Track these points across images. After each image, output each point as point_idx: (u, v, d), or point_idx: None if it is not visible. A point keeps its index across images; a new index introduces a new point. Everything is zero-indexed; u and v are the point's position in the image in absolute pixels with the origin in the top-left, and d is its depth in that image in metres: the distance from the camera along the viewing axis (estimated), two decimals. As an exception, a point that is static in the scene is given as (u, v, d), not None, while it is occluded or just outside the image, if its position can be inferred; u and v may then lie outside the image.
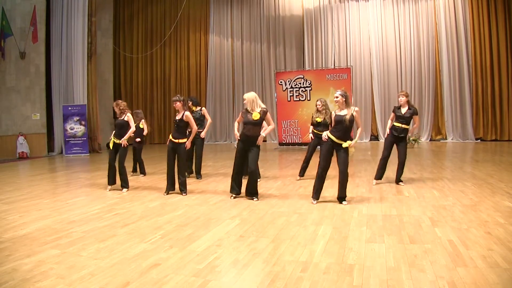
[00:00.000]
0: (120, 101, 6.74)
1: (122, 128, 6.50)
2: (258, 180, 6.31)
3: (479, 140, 13.96)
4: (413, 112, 6.15)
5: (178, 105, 6.03)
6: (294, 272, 3.00)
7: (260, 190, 6.24)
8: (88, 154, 13.70)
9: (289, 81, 13.06)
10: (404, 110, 6.17)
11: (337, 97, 5.05)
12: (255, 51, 16.81)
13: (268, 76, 16.49)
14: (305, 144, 13.01)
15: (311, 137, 6.91)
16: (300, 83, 12.92)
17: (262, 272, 3.03)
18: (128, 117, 6.50)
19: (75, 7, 13.94)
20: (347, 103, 5.05)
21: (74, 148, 13.77)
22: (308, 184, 6.66)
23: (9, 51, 13.55)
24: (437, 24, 14.47)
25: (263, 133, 5.48)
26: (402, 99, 6.19)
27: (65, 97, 14.25)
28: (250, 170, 5.40)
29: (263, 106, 5.50)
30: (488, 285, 2.66)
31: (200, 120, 7.52)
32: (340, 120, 4.99)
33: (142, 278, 2.97)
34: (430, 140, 14.60)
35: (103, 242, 3.83)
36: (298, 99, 12.95)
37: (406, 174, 7.17)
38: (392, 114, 6.34)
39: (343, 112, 5.02)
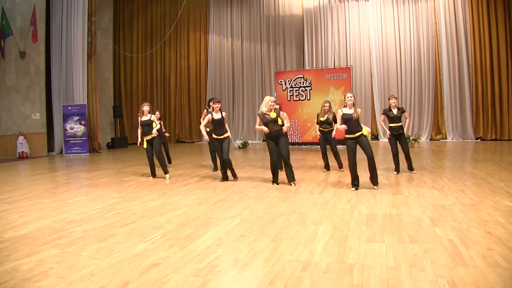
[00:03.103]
0: (148, 103, 7.78)
1: (149, 125, 7.51)
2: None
3: (479, 140, 13.96)
4: (402, 111, 7.21)
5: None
6: (294, 271, 3.00)
7: (260, 189, 6.27)
8: (88, 154, 13.70)
9: (289, 80, 13.05)
10: (395, 111, 7.17)
11: (351, 97, 5.95)
12: (255, 50, 16.81)
13: (268, 75, 16.48)
14: (305, 144, 13.03)
15: (319, 134, 7.91)
16: (300, 83, 12.91)
17: (262, 271, 3.03)
18: (152, 117, 7.58)
19: (75, 6, 13.92)
20: (354, 104, 5.99)
21: (74, 148, 13.77)
22: (308, 183, 6.67)
23: (9, 51, 13.55)
24: (437, 23, 14.46)
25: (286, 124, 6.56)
26: (395, 101, 7.24)
27: (65, 97, 14.24)
28: (285, 160, 6.58)
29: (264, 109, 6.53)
30: (488, 284, 2.66)
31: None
32: (349, 118, 5.85)
33: (142, 278, 2.97)
34: (430, 140, 14.59)
35: (103, 242, 3.84)
36: (298, 98, 12.95)
37: (406, 174, 7.25)
38: (382, 116, 7.42)
39: (351, 111, 5.88)
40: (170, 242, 3.79)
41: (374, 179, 5.94)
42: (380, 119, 7.54)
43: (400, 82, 15.08)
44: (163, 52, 17.93)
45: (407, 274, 2.87)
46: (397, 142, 7.20)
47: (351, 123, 5.82)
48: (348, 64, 14.84)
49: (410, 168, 7.38)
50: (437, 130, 14.78)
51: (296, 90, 12.96)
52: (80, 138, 13.80)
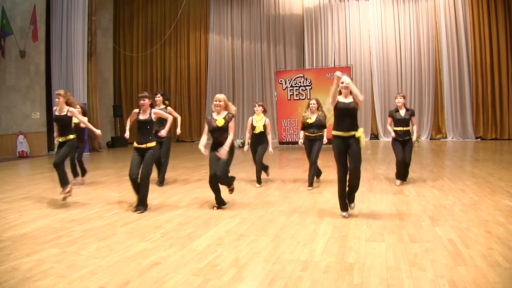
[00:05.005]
0: (61, 91, 5.59)
1: (64, 121, 5.56)
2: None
3: (479, 139, 13.95)
4: (411, 113, 6.12)
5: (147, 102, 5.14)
6: (294, 271, 3.00)
7: (260, 189, 6.27)
8: (88, 153, 13.68)
9: (289, 80, 13.05)
10: (402, 112, 6.11)
11: (347, 84, 4.35)
12: (255, 50, 16.80)
13: (268, 75, 16.47)
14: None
15: (301, 142, 6.40)
16: (300, 82, 12.91)
17: (262, 271, 3.02)
18: (70, 110, 5.53)
19: (75, 6, 13.92)
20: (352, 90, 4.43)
21: (74, 147, 13.75)
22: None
23: (9, 50, 13.53)
24: (437, 22, 14.45)
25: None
26: (401, 100, 6.12)
27: (65, 96, 14.22)
28: (218, 178, 4.97)
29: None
30: (488, 284, 2.65)
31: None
32: (346, 108, 4.32)
33: (142, 277, 2.97)
34: (430, 139, 14.59)
35: (103, 241, 3.83)
36: (298, 98, 12.95)
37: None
38: (389, 119, 6.25)
39: (348, 100, 4.37)
40: (170, 241, 3.79)
41: (350, 196, 4.48)
42: (388, 122, 6.34)
43: (400, 81, 15.08)
44: (163, 51, 17.92)
45: (407, 273, 2.87)
46: (403, 148, 6.08)
47: (348, 115, 4.32)
48: (348, 63, 14.84)
49: (404, 177, 6.27)
50: (437, 130, 14.78)
51: (296, 90, 12.96)
52: (80, 138, 13.78)
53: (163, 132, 5.76)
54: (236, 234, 3.94)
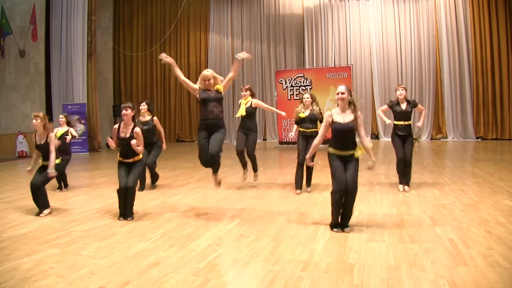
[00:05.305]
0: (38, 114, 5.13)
1: (46, 149, 5.12)
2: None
3: (479, 139, 13.94)
4: (413, 105, 5.66)
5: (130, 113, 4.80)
6: (294, 271, 2.99)
7: (260, 189, 6.26)
8: (88, 153, 13.69)
9: (289, 79, 13.05)
10: (404, 105, 5.63)
11: (343, 93, 3.83)
12: (255, 49, 16.78)
13: (268, 74, 16.46)
14: (305, 143, 13.01)
15: (293, 135, 6.16)
16: (300, 82, 12.91)
17: (262, 271, 3.02)
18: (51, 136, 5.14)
19: (74, 5, 13.91)
20: (350, 104, 3.88)
21: (74, 147, 13.72)
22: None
23: (9, 50, 13.53)
24: (438, 22, 14.43)
25: None
26: (403, 92, 5.61)
27: (65, 96, 14.22)
28: (212, 158, 4.55)
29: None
30: (488, 284, 2.65)
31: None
32: (342, 130, 3.84)
33: (142, 277, 2.96)
34: (430, 139, 14.58)
35: (103, 241, 3.83)
36: (298, 97, 12.89)
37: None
38: (385, 107, 5.85)
39: (346, 118, 3.86)
40: (170, 241, 3.79)
41: (345, 219, 3.92)
42: (381, 108, 5.89)
43: (401, 81, 15.03)
44: (163, 51, 17.76)
45: (408, 273, 2.86)
46: (403, 145, 5.64)
47: (344, 135, 3.86)
48: (349, 63, 14.82)
49: (406, 182, 5.70)
50: (438, 129, 14.76)
51: (296, 89, 12.96)
52: (79, 137, 13.77)
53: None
54: (236, 234, 3.94)
